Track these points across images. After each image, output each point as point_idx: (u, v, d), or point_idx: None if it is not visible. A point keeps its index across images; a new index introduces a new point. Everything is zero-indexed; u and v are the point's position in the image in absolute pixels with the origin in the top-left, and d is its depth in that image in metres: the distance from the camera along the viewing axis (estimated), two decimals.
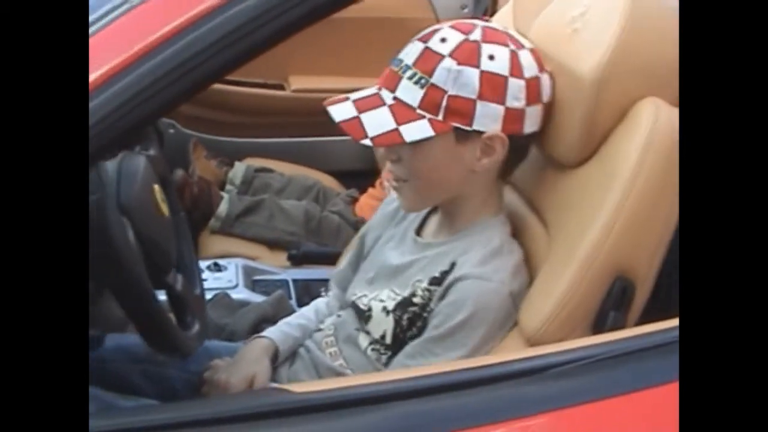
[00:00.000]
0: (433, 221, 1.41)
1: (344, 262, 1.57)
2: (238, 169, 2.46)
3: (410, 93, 1.25)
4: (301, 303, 1.93)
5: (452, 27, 1.29)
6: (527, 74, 1.26)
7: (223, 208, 2.29)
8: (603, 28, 1.26)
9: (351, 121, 1.26)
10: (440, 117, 1.24)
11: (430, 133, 1.24)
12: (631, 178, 1.19)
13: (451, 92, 1.24)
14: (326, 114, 2.73)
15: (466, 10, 2.77)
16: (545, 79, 1.29)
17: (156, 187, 1.38)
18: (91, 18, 1.04)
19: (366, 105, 1.27)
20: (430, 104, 1.24)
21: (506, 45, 1.27)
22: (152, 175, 1.39)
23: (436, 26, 1.32)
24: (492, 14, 2.68)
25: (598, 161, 1.27)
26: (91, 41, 1.01)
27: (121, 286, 1.21)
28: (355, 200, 2.45)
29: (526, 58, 1.27)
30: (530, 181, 1.40)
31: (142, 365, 1.54)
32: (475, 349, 1.25)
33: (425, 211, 1.43)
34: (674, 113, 1.21)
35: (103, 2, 1.07)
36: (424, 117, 1.24)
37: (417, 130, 1.25)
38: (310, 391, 1.06)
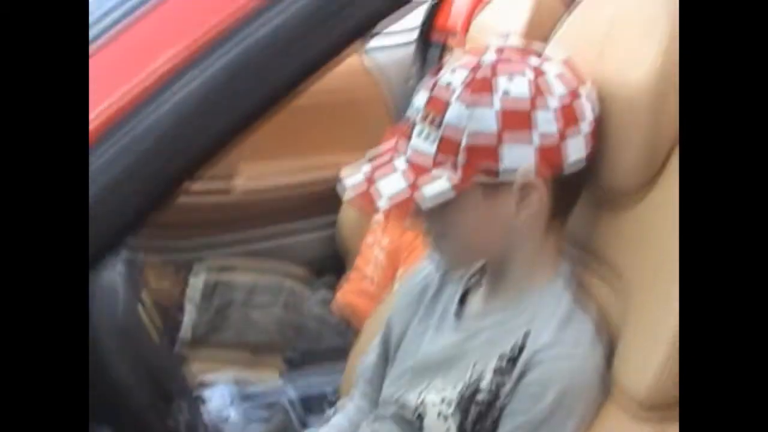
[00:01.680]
0: (477, 293, 1.20)
1: (371, 354, 1.33)
2: (196, 283, 2.22)
3: (422, 150, 1.08)
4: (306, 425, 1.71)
5: (460, 63, 1.11)
6: (556, 98, 1.07)
7: (186, 328, 2.05)
8: (643, 33, 1.12)
9: (361, 194, 1.09)
10: (460, 171, 1.06)
11: (450, 192, 1.06)
12: None
13: (467, 140, 1.05)
14: (282, 202, 2.58)
15: (411, 82, 2.62)
16: (583, 99, 1.09)
17: (140, 307, 1.15)
18: None
19: (377, 173, 1.10)
20: (445, 158, 1.06)
21: (524, 70, 1.08)
22: (133, 291, 1.16)
23: (444, 67, 1.13)
24: None
25: (669, 178, 1.10)
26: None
27: None
28: (329, 300, 2.22)
29: (552, 79, 1.08)
30: (581, 225, 1.20)
31: None
32: None
33: (464, 282, 1.22)
34: None
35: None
36: (442, 175, 1.06)
37: (434, 191, 1.06)
38: None
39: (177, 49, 0.92)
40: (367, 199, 1.08)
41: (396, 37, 2.70)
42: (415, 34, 2.65)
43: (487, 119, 1.05)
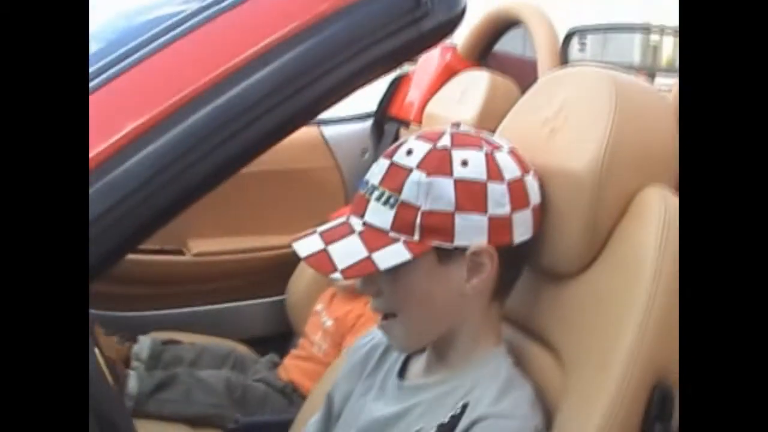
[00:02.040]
0: (420, 360, 1.24)
1: (313, 422, 1.36)
2: (144, 343, 2.23)
3: (380, 215, 1.11)
4: None
5: (419, 137, 1.16)
6: (508, 176, 1.13)
7: (132, 386, 2.05)
8: (589, 121, 1.18)
9: (317, 255, 1.11)
10: (416, 237, 1.10)
11: (407, 256, 1.09)
12: (655, 275, 1.09)
13: (424, 208, 1.10)
14: (231, 278, 2.60)
15: (367, 155, 2.70)
16: (530, 180, 1.16)
17: (97, 351, 1.17)
18: None
19: (334, 235, 1.13)
20: (403, 224, 1.10)
21: (480, 147, 1.14)
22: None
23: (403, 139, 1.19)
24: None
25: (606, 263, 1.16)
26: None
27: None
28: (277, 364, 2.25)
29: (504, 159, 1.14)
30: (520, 303, 1.26)
31: None
32: None
33: (405, 354, 1.26)
34: None
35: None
36: (398, 240, 1.10)
37: (391, 255, 1.10)
38: None
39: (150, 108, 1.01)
40: (323, 260, 1.10)
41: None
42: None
43: (445, 188, 1.10)
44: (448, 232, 1.11)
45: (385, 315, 1.18)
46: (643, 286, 1.09)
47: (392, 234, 1.10)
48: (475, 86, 2.23)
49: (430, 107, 2.40)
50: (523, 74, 2.27)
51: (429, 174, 1.10)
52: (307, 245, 1.12)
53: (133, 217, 1.02)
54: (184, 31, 1.03)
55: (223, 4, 1.01)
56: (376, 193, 1.12)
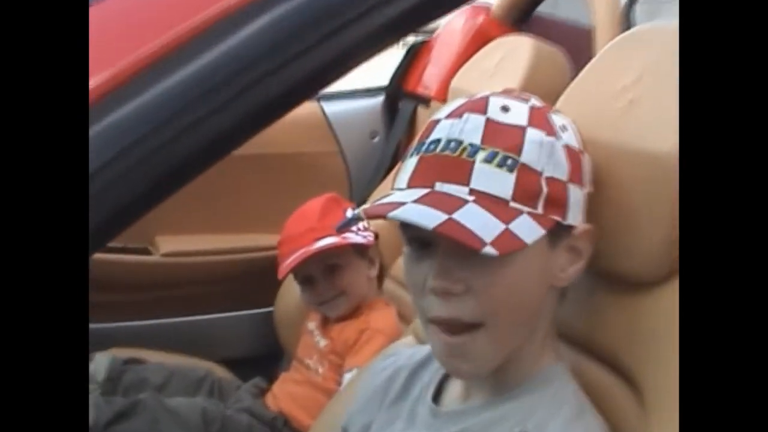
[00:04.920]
0: (457, 381, 1.17)
1: None
2: (101, 363, 2.18)
3: (494, 181, 1.01)
4: None
5: (497, 94, 1.10)
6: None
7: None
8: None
9: (447, 224, 0.98)
10: (539, 209, 1.03)
11: (541, 231, 1.02)
12: None
13: (546, 173, 1.03)
14: (207, 284, 2.54)
15: (377, 139, 2.64)
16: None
17: None
18: None
19: (444, 205, 1.00)
20: (525, 193, 1.02)
21: (560, 114, 1.11)
22: None
23: (467, 99, 1.09)
24: (409, 140, 2.58)
25: None
26: None
27: None
28: (264, 391, 2.18)
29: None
30: (578, 316, 1.19)
31: None
32: None
33: (440, 375, 1.19)
34: None
35: None
36: (521, 212, 1.02)
37: (527, 229, 1.01)
38: None
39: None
40: (460, 231, 0.98)
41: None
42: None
43: (561, 152, 1.06)
44: (563, 207, 1.05)
45: (467, 325, 1.06)
46: None
47: (513, 204, 1.02)
48: (514, 55, 2.16)
49: (457, 81, 2.32)
50: (572, 43, 2.21)
51: (548, 134, 1.06)
52: (415, 213, 1.00)
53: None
54: None
55: None
56: (482, 154, 1.02)
